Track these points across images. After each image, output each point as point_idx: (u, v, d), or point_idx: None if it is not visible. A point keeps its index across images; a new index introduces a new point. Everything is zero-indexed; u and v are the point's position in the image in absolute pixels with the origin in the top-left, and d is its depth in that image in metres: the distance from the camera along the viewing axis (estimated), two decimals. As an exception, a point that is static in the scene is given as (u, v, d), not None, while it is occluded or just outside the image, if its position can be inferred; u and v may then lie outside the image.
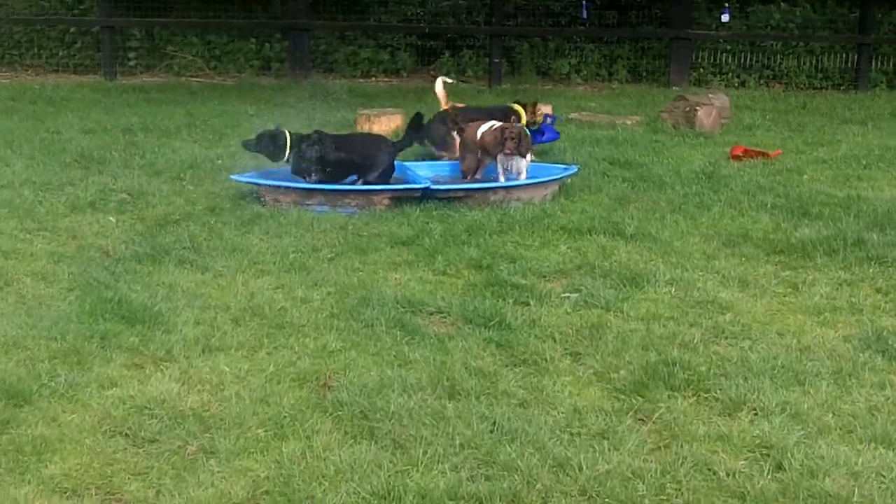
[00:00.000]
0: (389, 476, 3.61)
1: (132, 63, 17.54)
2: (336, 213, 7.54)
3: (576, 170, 8.57)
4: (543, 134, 9.72)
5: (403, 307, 5.42)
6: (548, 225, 7.21)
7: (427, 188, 7.77)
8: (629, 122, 12.16)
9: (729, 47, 17.70)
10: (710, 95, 12.71)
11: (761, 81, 17.50)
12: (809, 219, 7.49)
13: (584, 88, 16.74)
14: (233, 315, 5.31)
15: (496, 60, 16.79)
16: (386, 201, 7.71)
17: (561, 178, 8.36)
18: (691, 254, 6.61)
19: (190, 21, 17.64)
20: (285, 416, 4.09)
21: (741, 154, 10.12)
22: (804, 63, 17.61)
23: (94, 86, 15.54)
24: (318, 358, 4.73)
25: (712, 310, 5.52)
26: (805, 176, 9.31)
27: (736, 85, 17.32)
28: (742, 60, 17.69)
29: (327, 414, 4.12)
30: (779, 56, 17.71)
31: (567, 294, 5.73)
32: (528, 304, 5.54)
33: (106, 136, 10.81)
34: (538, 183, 8.15)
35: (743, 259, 6.51)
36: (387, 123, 11.42)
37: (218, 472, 3.69)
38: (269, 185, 7.85)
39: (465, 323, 5.25)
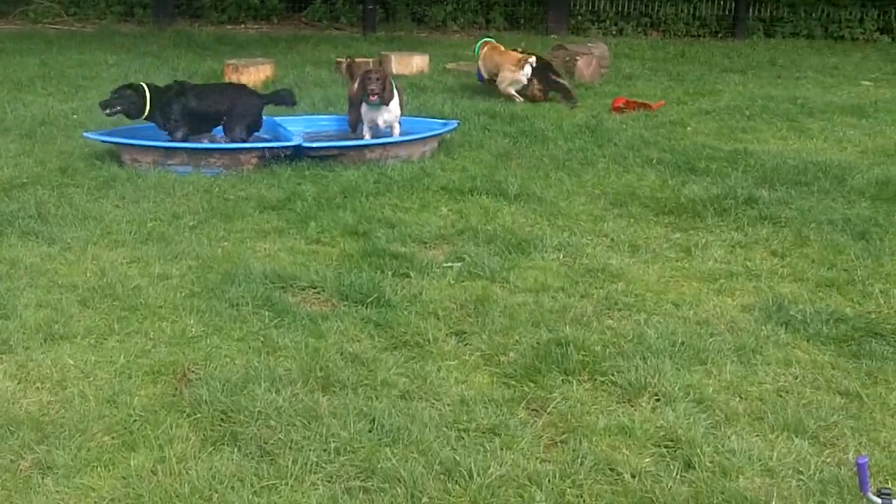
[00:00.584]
0: (254, 493, 3.13)
1: (-16, 10, 16.36)
2: (200, 173, 6.96)
3: (456, 125, 8.15)
4: None
5: (272, 282, 4.92)
6: (427, 185, 6.80)
7: (299, 146, 7.24)
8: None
9: (607, -6, 17.51)
10: (590, 44, 12.42)
11: (639, 29, 17.37)
12: (696, 175, 7.26)
13: (461, 36, 16.31)
14: (80, 295, 4.73)
15: (370, 7, 16.20)
16: (254, 160, 7.16)
17: (440, 133, 7.92)
18: (578, 215, 6.28)
19: (46, -37, 16.55)
20: (136, 420, 3.57)
21: (623, 105, 9.87)
22: (682, 10, 17.53)
23: (-60, 33, 14.41)
24: (176, 346, 4.21)
25: (603, 278, 5.18)
26: (689, 128, 9.11)
27: (614, 33, 17.14)
28: (620, 8, 17.50)
29: (184, 415, 3.61)
30: (656, 3, 17.58)
31: (449, 264, 5.32)
32: (409, 276, 5.10)
33: (-50, 89, 9.95)
34: (416, 139, 7.70)
35: (631, 220, 6.21)
36: (256, 74, 10.83)
37: (55, 492, 3.16)
38: (126, 144, 7.21)
39: (340, 299, 4.79)
